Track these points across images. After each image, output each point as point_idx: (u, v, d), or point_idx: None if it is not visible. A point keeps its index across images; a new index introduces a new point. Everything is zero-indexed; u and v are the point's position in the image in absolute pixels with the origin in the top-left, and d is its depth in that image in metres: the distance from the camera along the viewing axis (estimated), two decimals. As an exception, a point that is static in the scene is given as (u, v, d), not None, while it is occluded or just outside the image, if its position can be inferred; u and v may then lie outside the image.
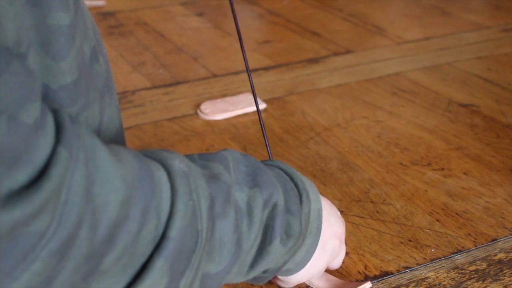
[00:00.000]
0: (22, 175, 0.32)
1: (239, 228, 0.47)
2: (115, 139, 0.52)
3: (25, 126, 0.32)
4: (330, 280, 0.63)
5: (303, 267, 0.57)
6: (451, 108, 1.05)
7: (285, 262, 0.54)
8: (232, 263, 0.47)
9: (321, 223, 0.56)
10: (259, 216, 0.48)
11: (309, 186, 0.56)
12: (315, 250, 0.57)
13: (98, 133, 0.48)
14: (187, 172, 0.43)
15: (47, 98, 0.42)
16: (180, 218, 0.41)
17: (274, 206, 0.50)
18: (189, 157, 0.47)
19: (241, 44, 0.71)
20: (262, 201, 0.49)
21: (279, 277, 0.60)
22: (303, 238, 0.54)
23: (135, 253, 0.39)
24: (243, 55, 0.71)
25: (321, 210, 0.57)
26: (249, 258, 0.49)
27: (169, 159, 0.43)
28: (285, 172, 0.55)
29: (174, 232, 0.41)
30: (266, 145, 0.69)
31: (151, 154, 0.43)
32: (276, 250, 0.50)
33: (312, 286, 0.63)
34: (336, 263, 0.64)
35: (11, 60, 0.33)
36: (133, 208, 0.38)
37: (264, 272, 0.53)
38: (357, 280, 0.64)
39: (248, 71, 0.70)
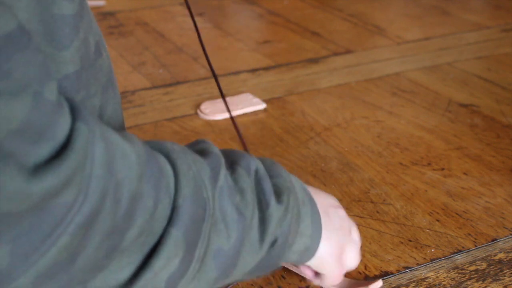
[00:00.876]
0: (47, 149, 0.33)
1: (234, 197, 0.48)
2: None
3: (49, 102, 0.33)
4: (342, 280, 0.63)
5: (318, 239, 0.55)
6: (451, 108, 1.05)
7: (291, 227, 0.52)
8: (241, 233, 0.47)
9: (309, 193, 0.56)
10: (247, 183, 0.49)
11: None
12: (319, 217, 0.55)
13: None
14: (181, 149, 0.45)
15: None
16: (185, 186, 0.42)
17: (256, 172, 0.51)
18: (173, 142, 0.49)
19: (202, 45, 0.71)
20: (243, 170, 0.50)
21: (314, 270, 0.59)
22: (298, 207, 0.54)
23: (152, 230, 0.40)
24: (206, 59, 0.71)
25: (302, 183, 0.57)
26: (255, 227, 0.49)
27: (161, 143, 0.45)
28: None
29: (182, 200, 0.42)
30: (243, 144, 0.69)
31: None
32: (276, 210, 0.50)
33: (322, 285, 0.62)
34: (353, 259, 0.60)
35: (31, 39, 0.34)
36: (147, 185, 0.40)
37: (276, 244, 0.52)
38: (366, 278, 0.64)
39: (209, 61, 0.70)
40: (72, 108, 0.36)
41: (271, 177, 0.52)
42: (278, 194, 0.51)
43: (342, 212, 0.60)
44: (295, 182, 0.55)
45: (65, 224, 0.34)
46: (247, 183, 0.49)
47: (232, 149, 0.53)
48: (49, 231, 0.33)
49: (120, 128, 0.53)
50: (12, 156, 0.31)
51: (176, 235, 0.41)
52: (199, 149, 0.49)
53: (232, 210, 0.47)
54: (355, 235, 0.61)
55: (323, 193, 0.60)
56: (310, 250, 0.56)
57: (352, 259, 0.60)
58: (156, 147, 0.44)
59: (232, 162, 0.51)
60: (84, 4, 0.46)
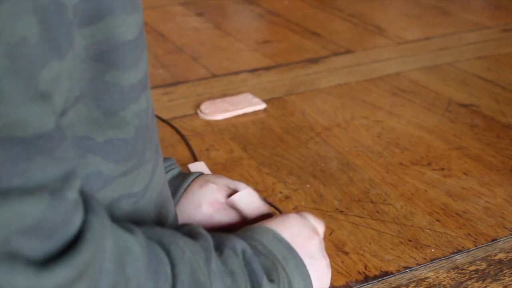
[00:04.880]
0: (59, 244, 0.33)
1: (225, 280, 0.48)
2: (159, 198, 0.52)
3: (67, 202, 0.33)
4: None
5: (310, 284, 0.56)
6: (451, 108, 1.05)
7: None
8: None
9: (286, 243, 0.56)
10: (236, 265, 0.49)
11: (250, 230, 0.56)
12: (304, 266, 0.56)
13: (146, 190, 0.48)
14: (171, 233, 0.45)
15: (91, 151, 0.42)
16: (182, 271, 0.42)
17: (244, 253, 0.51)
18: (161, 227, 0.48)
19: None
20: (231, 251, 0.50)
21: None
22: (287, 277, 0.54)
23: None
24: None
25: (276, 233, 0.56)
26: None
27: (152, 228, 0.44)
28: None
29: (180, 285, 0.42)
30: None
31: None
32: None
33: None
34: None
35: (64, 138, 0.34)
36: (149, 275, 0.40)
37: None
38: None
39: None
40: (84, 200, 0.36)
41: (256, 254, 0.52)
42: (269, 273, 0.51)
43: (317, 239, 0.59)
44: (269, 241, 0.55)
45: None
46: (236, 264, 0.49)
47: (216, 232, 0.52)
48: None
49: (161, 191, 0.52)
50: (21, 252, 0.31)
51: None
52: (187, 231, 0.49)
53: None
54: (322, 245, 0.60)
55: (293, 227, 0.58)
56: None
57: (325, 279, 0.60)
58: (147, 233, 0.44)
59: (218, 244, 0.50)
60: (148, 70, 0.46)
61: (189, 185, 0.65)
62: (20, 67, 0.30)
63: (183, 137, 0.95)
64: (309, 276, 0.56)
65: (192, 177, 0.66)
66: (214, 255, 0.47)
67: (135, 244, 0.39)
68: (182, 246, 0.44)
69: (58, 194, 0.32)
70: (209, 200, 0.63)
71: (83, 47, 0.38)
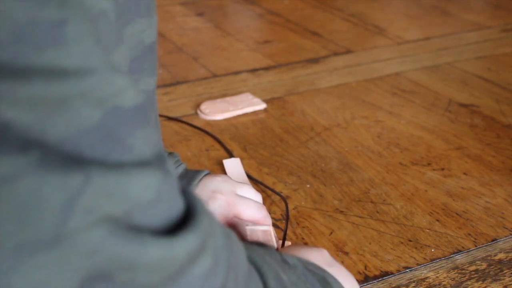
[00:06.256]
0: (179, 212, 0.33)
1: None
2: None
3: (172, 176, 0.34)
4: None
5: None
6: (451, 108, 1.05)
7: None
8: None
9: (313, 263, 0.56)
10: (295, 277, 0.49)
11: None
12: (338, 281, 0.55)
13: None
14: (265, 254, 0.46)
15: None
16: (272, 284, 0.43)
17: (295, 267, 0.51)
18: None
19: None
20: (286, 265, 0.50)
21: None
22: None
23: None
24: None
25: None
26: None
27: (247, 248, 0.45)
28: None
29: None
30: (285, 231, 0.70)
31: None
32: None
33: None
34: None
35: (151, 116, 0.35)
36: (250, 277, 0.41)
37: None
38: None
39: None
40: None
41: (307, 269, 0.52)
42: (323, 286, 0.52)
43: (324, 253, 0.59)
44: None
45: None
46: (295, 277, 0.49)
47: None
48: None
49: None
50: (146, 225, 0.31)
51: None
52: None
53: None
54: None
55: (305, 252, 0.59)
56: None
57: None
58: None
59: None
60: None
61: (196, 186, 0.66)
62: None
63: (216, 138, 0.95)
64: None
65: (198, 178, 0.67)
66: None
67: (236, 238, 0.39)
68: (268, 262, 0.44)
69: (164, 168, 0.33)
70: (217, 217, 0.64)
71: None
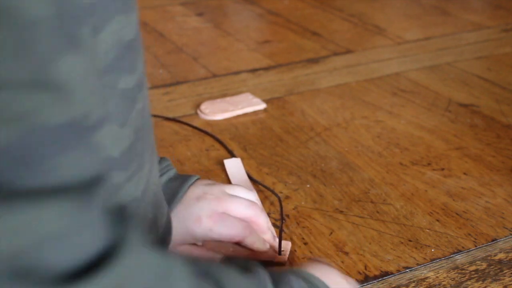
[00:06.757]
0: (86, 258, 0.29)
1: None
2: (154, 198, 0.50)
3: (97, 210, 0.30)
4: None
5: None
6: (451, 108, 1.05)
7: None
8: None
9: None
10: None
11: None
12: None
13: (144, 192, 0.46)
14: (224, 271, 0.43)
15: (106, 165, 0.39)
16: None
17: None
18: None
19: None
20: None
21: None
22: None
23: None
24: None
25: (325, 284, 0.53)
26: None
27: (209, 266, 0.42)
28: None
29: None
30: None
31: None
32: None
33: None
34: None
35: (88, 135, 0.32)
36: None
37: None
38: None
39: None
40: (118, 212, 0.32)
41: None
42: None
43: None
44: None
45: None
46: None
47: (272, 268, 0.50)
48: None
49: (157, 193, 0.51)
50: (36, 268, 0.26)
51: None
52: (241, 264, 0.47)
53: None
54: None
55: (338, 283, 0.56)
56: None
57: None
58: (193, 265, 0.39)
59: (273, 279, 0.48)
60: (143, 65, 0.43)
61: (187, 189, 0.65)
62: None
63: (216, 138, 0.95)
64: None
65: (189, 182, 0.66)
66: None
67: (181, 270, 0.35)
68: (235, 283, 0.41)
69: (87, 197, 0.29)
70: (207, 213, 0.63)
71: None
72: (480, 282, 0.64)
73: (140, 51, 0.43)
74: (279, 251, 0.67)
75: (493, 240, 0.71)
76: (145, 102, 0.45)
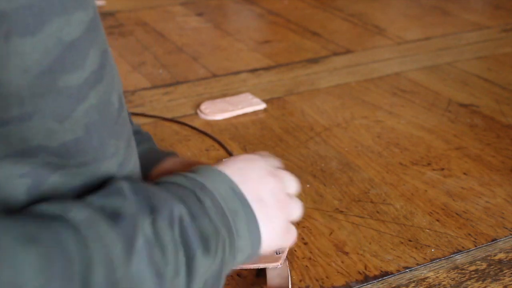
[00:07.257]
0: None
1: (153, 258, 0.44)
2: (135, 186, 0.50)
3: None
4: None
5: (259, 243, 0.52)
6: (451, 108, 1.05)
7: (223, 263, 0.50)
8: None
9: (239, 191, 0.51)
10: (170, 238, 0.45)
11: (202, 174, 0.51)
12: (255, 219, 0.51)
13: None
14: (88, 223, 0.41)
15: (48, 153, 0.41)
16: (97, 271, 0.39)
17: (181, 220, 0.47)
18: (85, 200, 0.44)
19: None
20: (165, 222, 0.46)
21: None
22: (228, 227, 0.50)
23: None
24: None
25: (234, 184, 0.51)
26: (181, 283, 0.46)
27: (67, 213, 0.41)
28: (179, 175, 0.52)
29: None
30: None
31: (46, 210, 0.40)
32: (202, 261, 0.47)
33: None
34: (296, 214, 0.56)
35: None
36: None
37: (207, 282, 0.49)
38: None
39: None
40: None
41: (195, 217, 0.48)
42: (205, 240, 0.47)
43: (272, 181, 0.55)
44: (220, 194, 0.51)
45: None
46: (169, 236, 0.45)
47: (153, 189, 0.48)
48: None
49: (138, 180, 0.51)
50: None
51: None
52: (111, 210, 0.44)
53: (150, 276, 0.43)
54: (292, 188, 0.56)
55: (247, 168, 0.55)
56: (255, 253, 0.53)
57: (295, 215, 0.55)
58: (61, 217, 0.39)
59: (152, 209, 0.46)
60: (107, 61, 0.44)
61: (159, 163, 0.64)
62: None
63: (215, 139, 0.95)
64: (259, 232, 0.52)
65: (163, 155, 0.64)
66: (141, 233, 0.43)
67: (25, 261, 0.34)
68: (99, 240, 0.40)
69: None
70: (173, 163, 0.62)
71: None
72: (480, 282, 0.64)
73: (90, 49, 0.43)
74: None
75: (493, 240, 0.71)
76: (106, 97, 0.45)
